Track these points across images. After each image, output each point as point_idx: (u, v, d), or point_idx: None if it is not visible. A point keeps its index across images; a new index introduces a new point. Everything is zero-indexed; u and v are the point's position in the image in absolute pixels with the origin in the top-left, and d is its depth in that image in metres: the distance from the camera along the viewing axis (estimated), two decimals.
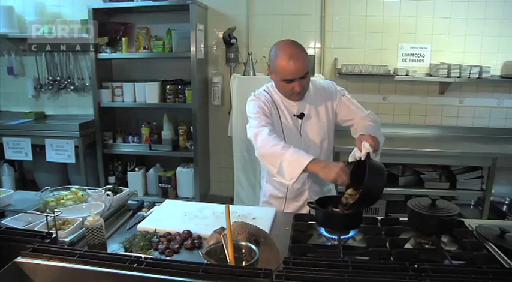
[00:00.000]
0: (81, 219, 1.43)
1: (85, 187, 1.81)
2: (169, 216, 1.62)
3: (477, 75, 3.09)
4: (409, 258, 1.22)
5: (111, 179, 3.58)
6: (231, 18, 3.47)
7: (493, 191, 2.96)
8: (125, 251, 1.34)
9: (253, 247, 1.08)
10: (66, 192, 1.72)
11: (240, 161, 3.20)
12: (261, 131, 1.62)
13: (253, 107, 1.75)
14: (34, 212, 1.48)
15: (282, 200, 1.88)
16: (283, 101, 1.79)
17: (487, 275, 0.89)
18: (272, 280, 0.83)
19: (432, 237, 1.36)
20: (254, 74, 3.18)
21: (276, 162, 1.53)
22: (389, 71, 3.26)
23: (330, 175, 1.44)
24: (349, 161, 1.52)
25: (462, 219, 1.52)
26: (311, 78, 1.80)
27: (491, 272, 0.89)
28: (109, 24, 3.47)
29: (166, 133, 3.45)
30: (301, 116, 1.78)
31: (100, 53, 3.37)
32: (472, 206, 3.44)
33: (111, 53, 3.39)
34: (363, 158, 1.45)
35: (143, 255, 0.95)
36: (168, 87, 3.38)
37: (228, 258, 1.03)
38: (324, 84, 1.90)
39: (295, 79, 1.65)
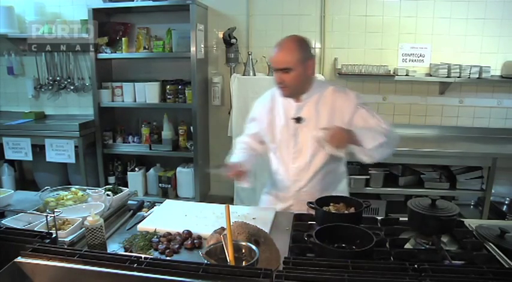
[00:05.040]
0: (81, 219, 1.43)
1: (85, 187, 1.81)
2: (169, 216, 1.62)
3: (477, 75, 3.09)
4: (409, 258, 1.22)
5: (111, 179, 3.58)
6: (231, 18, 3.47)
7: (493, 191, 2.96)
8: (125, 251, 1.34)
9: (253, 247, 1.08)
10: (66, 192, 1.72)
11: None
12: (237, 141, 1.92)
13: (250, 113, 1.92)
14: (34, 212, 1.48)
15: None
16: (284, 101, 1.74)
17: (487, 275, 0.89)
18: (272, 280, 0.83)
19: (432, 237, 1.36)
20: (254, 74, 3.18)
21: None
22: (389, 71, 3.26)
23: None
24: None
25: (462, 219, 1.52)
26: (332, 86, 1.72)
27: (491, 272, 0.89)
28: (109, 24, 3.47)
29: (166, 133, 3.44)
30: (299, 120, 1.69)
31: (100, 53, 3.37)
32: (472, 206, 3.43)
33: (111, 53, 3.39)
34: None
35: (143, 255, 0.95)
36: (168, 87, 3.38)
37: (228, 258, 1.03)
38: (343, 93, 1.72)
39: (277, 70, 1.61)
